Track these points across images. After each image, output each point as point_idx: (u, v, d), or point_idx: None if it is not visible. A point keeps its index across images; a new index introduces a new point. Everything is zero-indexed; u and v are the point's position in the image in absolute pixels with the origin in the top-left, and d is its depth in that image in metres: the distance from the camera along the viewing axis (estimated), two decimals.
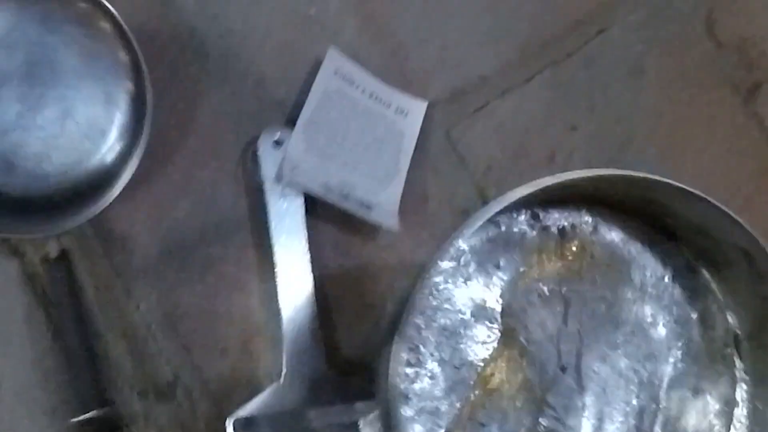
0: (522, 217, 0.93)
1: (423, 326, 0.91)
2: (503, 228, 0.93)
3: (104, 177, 0.88)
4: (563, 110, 1.00)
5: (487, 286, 0.92)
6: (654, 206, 0.91)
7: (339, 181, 0.91)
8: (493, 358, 0.92)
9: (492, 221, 0.92)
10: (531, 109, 0.99)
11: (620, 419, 0.93)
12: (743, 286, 0.92)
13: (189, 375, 0.93)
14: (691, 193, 0.86)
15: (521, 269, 0.92)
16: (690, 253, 0.95)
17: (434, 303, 0.91)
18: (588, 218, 0.95)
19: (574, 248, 0.94)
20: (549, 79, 1.00)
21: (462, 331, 0.91)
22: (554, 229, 0.93)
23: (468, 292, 0.92)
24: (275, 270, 0.91)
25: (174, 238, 0.92)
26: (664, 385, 0.94)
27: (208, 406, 0.93)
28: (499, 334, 0.92)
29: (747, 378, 0.95)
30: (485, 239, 0.93)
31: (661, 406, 0.94)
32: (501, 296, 0.92)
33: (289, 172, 0.89)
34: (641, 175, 0.86)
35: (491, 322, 0.92)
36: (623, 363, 0.94)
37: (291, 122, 0.93)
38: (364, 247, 0.95)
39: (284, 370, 0.90)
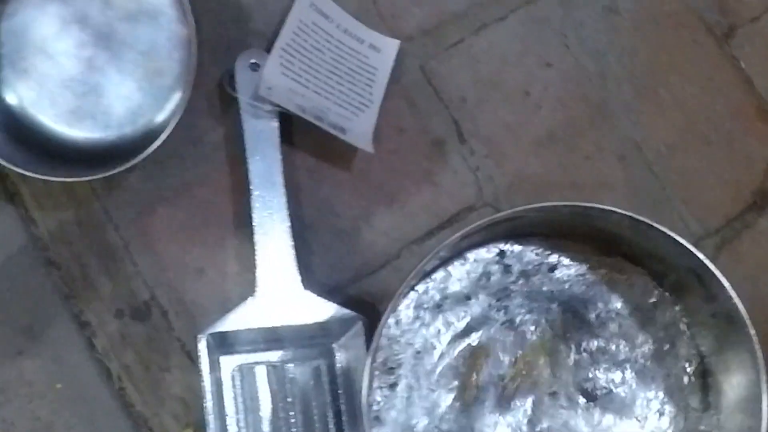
0: (489, 254, 0.94)
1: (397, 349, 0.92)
2: (472, 262, 0.94)
3: (153, 132, 0.93)
4: (538, 47, 1.01)
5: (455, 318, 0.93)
6: (606, 234, 0.92)
7: (313, 105, 0.93)
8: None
9: (460, 255, 0.93)
10: (506, 45, 1.00)
11: None
12: (699, 306, 0.92)
13: (165, 295, 0.94)
14: (636, 219, 0.86)
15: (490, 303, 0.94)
16: (650, 278, 0.95)
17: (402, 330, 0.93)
18: (548, 256, 0.95)
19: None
20: (524, 17, 1.01)
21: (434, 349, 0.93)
22: (516, 269, 0.94)
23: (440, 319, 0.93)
24: (249, 189, 0.91)
25: (151, 159, 0.93)
26: None
27: (184, 325, 0.94)
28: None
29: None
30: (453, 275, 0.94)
31: None
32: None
33: (266, 91, 0.91)
34: (587, 204, 0.86)
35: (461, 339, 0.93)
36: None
37: (269, 51, 0.94)
38: (338, 173, 0.97)
39: (257, 287, 0.91)
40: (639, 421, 0.91)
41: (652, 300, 0.92)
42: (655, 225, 0.84)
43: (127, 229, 0.94)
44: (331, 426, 0.91)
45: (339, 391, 0.91)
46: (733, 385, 0.88)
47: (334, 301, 0.91)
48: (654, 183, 0.99)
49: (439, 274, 0.91)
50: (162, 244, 0.94)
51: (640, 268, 0.92)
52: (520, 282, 0.91)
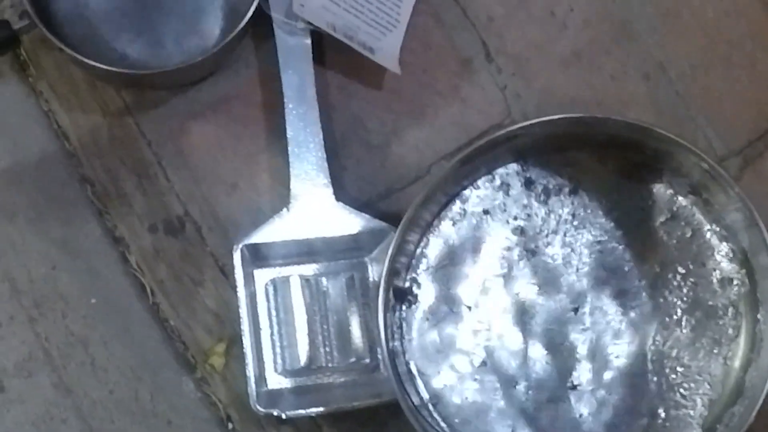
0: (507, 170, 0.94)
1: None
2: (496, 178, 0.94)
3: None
4: None
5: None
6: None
7: (344, 23, 0.93)
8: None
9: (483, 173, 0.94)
10: None
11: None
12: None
13: (198, 209, 0.94)
14: (632, 123, 0.88)
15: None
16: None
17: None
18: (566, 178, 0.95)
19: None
20: None
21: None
22: (539, 186, 0.94)
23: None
24: (284, 103, 0.91)
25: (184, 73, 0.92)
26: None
27: (217, 239, 0.93)
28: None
29: None
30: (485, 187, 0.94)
31: None
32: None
33: (299, 8, 0.91)
34: (587, 116, 0.88)
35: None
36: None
37: None
38: (369, 90, 0.96)
39: (291, 199, 0.90)
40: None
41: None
42: (654, 127, 0.86)
43: (160, 145, 0.93)
44: (364, 338, 0.91)
45: (371, 304, 0.90)
46: None
47: (366, 215, 0.91)
48: (678, 102, 0.99)
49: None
50: (195, 159, 0.93)
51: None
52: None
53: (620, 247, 0.92)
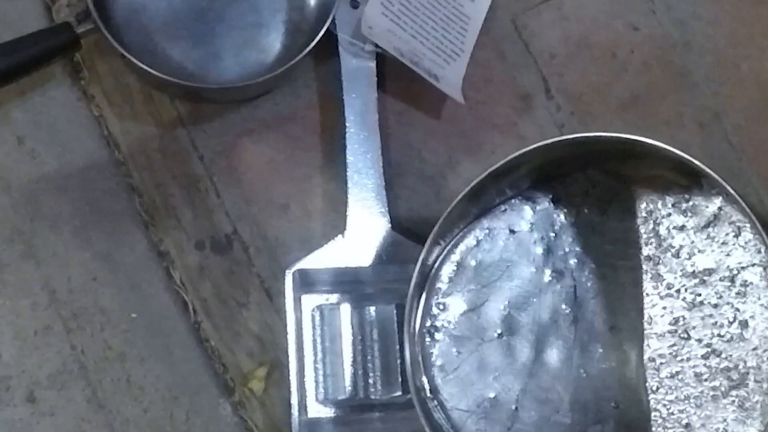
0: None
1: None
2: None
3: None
4: (625, 10, 0.98)
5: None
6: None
7: (409, 48, 0.90)
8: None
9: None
10: (595, 5, 0.98)
11: None
12: None
13: (247, 229, 0.90)
14: (628, 139, 0.83)
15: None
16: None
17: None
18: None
19: None
20: None
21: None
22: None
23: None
24: (345, 126, 0.88)
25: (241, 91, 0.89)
26: None
27: (265, 261, 0.90)
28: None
29: None
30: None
31: None
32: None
33: (367, 30, 0.88)
34: (582, 135, 0.85)
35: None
36: None
37: None
38: (427, 119, 0.93)
39: (347, 226, 0.87)
40: None
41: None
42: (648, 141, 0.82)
43: (212, 160, 0.90)
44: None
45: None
46: None
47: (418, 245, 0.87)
48: (731, 153, 0.97)
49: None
50: (247, 177, 0.90)
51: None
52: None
53: None
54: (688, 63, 0.97)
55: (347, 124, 0.87)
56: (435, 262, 0.86)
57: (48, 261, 0.87)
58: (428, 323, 0.85)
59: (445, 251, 0.87)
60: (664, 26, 0.97)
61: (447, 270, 0.86)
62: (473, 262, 0.87)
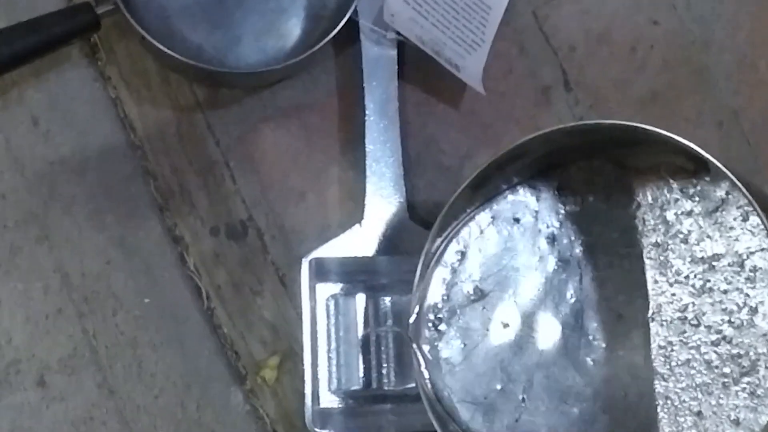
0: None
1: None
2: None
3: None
4: (647, 5, 0.97)
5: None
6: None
7: (431, 37, 0.89)
8: None
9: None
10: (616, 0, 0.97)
11: None
12: None
13: (263, 216, 0.89)
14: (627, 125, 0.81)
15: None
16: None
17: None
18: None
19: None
20: None
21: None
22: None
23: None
24: (365, 115, 0.87)
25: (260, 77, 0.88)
26: None
27: (280, 249, 0.89)
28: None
29: None
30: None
31: None
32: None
33: (389, 17, 0.87)
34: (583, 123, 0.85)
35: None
36: None
37: None
38: (446, 110, 0.92)
39: (365, 215, 0.86)
40: None
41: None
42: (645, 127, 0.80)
43: (229, 146, 0.89)
44: None
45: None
46: None
47: None
48: (748, 153, 0.96)
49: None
50: (264, 164, 0.89)
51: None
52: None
53: None
54: (707, 60, 0.96)
55: (367, 113, 0.85)
56: (438, 251, 0.84)
57: (61, 244, 0.86)
58: (432, 315, 0.83)
59: (449, 240, 0.85)
60: (684, 23, 0.96)
61: (451, 259, 0.85)
62: (477, 252, 0.86)
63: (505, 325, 0.86)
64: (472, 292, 0.85)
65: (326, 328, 0.86)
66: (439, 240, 0.83)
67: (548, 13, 0.94)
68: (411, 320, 0.81)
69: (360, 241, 0.85)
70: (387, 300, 0.86)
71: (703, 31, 0.96)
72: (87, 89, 0.88)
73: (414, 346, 0.80)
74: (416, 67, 0.90)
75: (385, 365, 0.85)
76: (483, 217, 0.86)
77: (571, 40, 0.94)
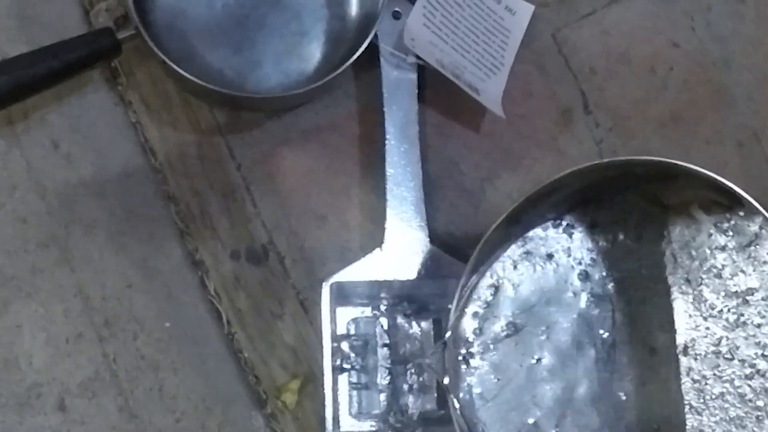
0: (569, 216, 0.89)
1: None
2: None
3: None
4: (666, 26, 0.97)
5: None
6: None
7: (451, 61, 0.88)
8: None
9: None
10: (635, 21, 0.96)
11: None
12: None
13: (284, 239, 0.89)
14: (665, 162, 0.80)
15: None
16: None
17: None
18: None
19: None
20: None
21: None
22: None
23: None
24: (385, 138, 0.87)
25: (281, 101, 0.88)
26: None
27: (301, 272, 0.88)
28: None
29: None
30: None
31: None
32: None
33: (410, 41, 0.86)
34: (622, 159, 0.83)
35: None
36: None
37: (412, 1, 0.90)
38: (466, 132, 0.92)
39: (385, 239, 0.86)
40: None
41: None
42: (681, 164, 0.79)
43: (250, 169, 0.88)
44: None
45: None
46: None
47: (458, 260, 0.85)
48: None
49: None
50: (285, 187, 0.88)
51: None
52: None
53: None
54: (727, 81, 0.95)
55: (387, 136, 0.85)
56: (472, 286, 0.84)
57: (82, 267, 0.86)
58: (464, 350, 0.83)
59: (482, 275, 0.85)
60: (704, 43, 0.95)
61: (484, 294, 0.84)
62: (511, 287, 0.85)
63: (538, 360, 0.85)
64: (505, 327, 0.84)
65: (347, 352, 0.85)
66: (474, 276, 0.82)
67: (568, 35, 0.94)
68: (443, 354, 0.80)
69: (380, 264, 0.85)
70: (408, 324, 0.86)
71: (722, 50, 0.96)
72: (108, 113, 0.87)
73: (445, 383, 0.80)
74: (436, 90, 0.90)
75: (406, 389, 0.85)
76: (517, 252, 0.85)
77: (590, 61, 0.94)
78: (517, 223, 0.84)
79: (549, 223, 0.86)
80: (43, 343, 0.85)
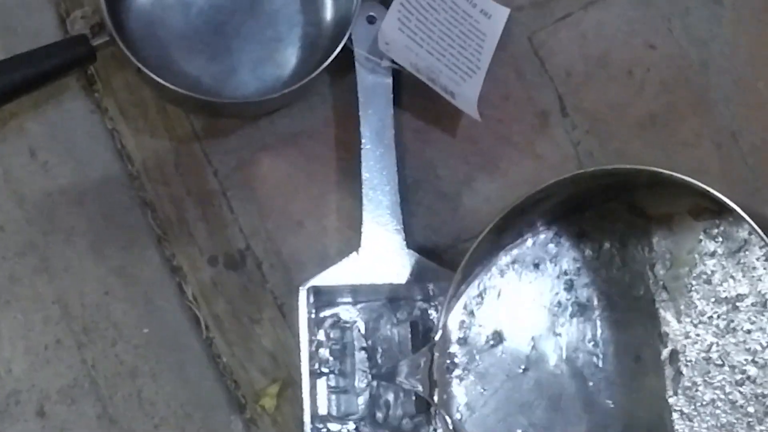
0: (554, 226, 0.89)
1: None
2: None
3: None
4: (643, 28, 0.97)
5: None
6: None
7: (426, 65, 0.89)
8: None
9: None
10: (612, 23, 0.96)
11: None
12: None
13: (261, 245, 0.89)
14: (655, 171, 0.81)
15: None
16: None
17: None
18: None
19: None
20: None
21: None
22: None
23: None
24: (361, 143, 0.87)
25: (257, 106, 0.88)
26: None
27: (279, 277, 0.88)
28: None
29: None
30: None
31: None
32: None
33: (384, 46, 0.87)
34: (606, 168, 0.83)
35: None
36: None
37: (386, 5, 0.90)
38: (443, 136, 0.92)
39: (362, 243, 0.86)
40: None
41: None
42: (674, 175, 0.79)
43: (227, 175, 0.89)
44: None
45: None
46: None
47: (434, 263, 0.86)
48: (748, 174, 0.95)
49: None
50: (262, 192, 0.89)
51: None
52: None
53: None
54: (705, 83, 0.95)
55: (363, 140, 0.85)
56: (459, 295, 0.84)
57: (61, 275, 0.86)
58: (449, 360, 0.83)
59: (470, 284, 0.85)
60: (681, 45, 0.95)
61: (469, 303, 0.84)
62: (496, 296, 0.85)
63: (525, 370, 0.85)
64: (490, 336, 0.84)
65: (325, 356, 0.85)
66: (462, 285, 0.83)
67: (544, 39, 0.94)
68: (429, 365, 0.81)
69: (357, 268, 0.85)
70: (386, 327, 0.86)
71: (700, 53, 0.96)
72: (85, 121, 0.88)
73: (434, 401, 0.81)
74: (413, 94, 0.90)
75: (384, 392, 0.85)
76: (503, 261, 0.85)
77: (567, 65, 0.94)
78: (504, 232, 0.84)
79: (537, 232, 0.86)
80: (23, 351, 0.85)
